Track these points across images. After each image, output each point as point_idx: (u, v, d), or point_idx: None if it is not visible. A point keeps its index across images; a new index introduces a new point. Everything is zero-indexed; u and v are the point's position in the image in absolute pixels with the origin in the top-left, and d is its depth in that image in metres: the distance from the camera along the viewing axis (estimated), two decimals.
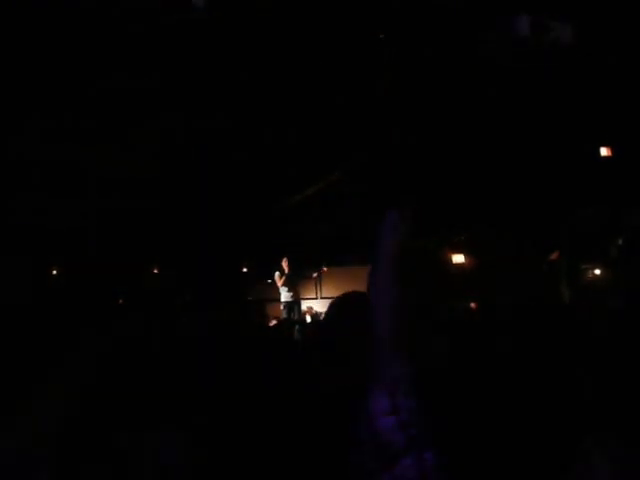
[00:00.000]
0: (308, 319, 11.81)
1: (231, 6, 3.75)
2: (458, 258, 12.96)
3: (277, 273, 11.05)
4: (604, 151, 6.82)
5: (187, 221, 10.52)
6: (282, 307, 11.28)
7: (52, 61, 4.39)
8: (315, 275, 12.85)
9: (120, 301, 11.94)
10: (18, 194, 7.67)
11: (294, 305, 11.18)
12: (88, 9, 3.73)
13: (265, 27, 4.05)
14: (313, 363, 2.04)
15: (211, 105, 5.46)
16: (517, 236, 10.68)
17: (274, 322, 9.35)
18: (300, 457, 1.71)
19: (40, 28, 3.93)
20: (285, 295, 11.16)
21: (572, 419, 0.93)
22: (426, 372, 2.50)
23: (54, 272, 11.06)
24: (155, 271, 13.09)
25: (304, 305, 12.47)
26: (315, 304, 13.56)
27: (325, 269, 12.28)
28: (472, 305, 8.90)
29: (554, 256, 10.27)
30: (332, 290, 14.29)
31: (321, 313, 10.98)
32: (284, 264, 10.93)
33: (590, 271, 12.75)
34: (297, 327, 7.64)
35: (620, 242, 10.41)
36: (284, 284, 11.01)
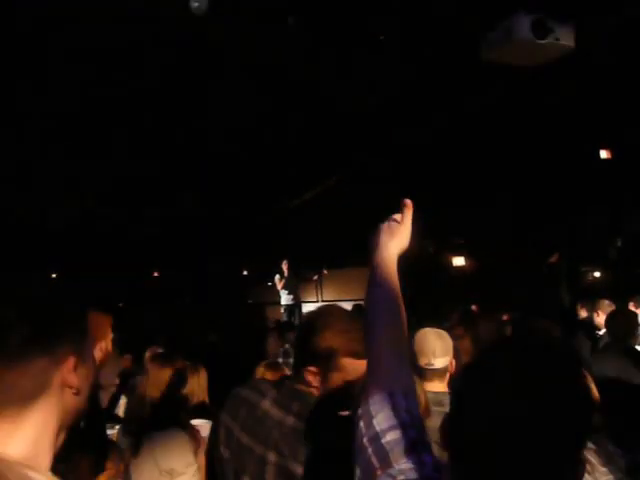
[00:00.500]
0: None
1: (230, 8, 3.77)
2: (458, 261, 12.98)
3: (277, 276, 11.05)
4: (604, 154, 6.83)
5: (188, 223, 10.56)
6: (282, 310, 11.28)
7: (52, 60, 4.41)
8: (315, 278, 12.84)
9: (120, 304, 11.99)
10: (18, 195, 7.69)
11: (294, 308, 11.17)
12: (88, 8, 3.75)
13: (267, 31, 4.07)
14: None
15: (210, 105, 5.48)
16: (517, 239, 10.68)
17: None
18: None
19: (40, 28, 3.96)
20: (285, 298, 11.16)
21: (572, 420, 0.92)
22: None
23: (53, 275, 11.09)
24: (156, 274, 13.09)
25: (305, 308, 12.46)
26: (315, 307, 13.54)
27: (325, 272, 12.27)
28: (473, 307, 8.89)
29: (554, 259, 10.28)
30: (333, 293, 14.29)
31: None
32: (284, 267, 10.93)
33: (590, 273, 12.76)
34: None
35: (619, 244, 10.42)
36: (284, 287, 11.01)
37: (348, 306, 11.34)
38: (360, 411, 1.16)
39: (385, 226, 1.44)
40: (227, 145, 6.76)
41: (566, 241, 10.51)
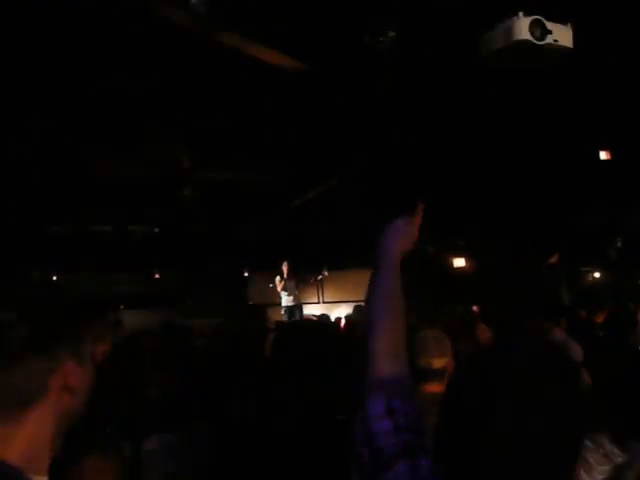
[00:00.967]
0: None
1: (230, 8, 3.78)
2: (459, 262, 12.99)
3: (278, 277, 11.05)
4: (603, 155, 6.82)
5: (190, 225, 10.56)
6: (283, 311, 11.27)
7: (51, 61, 4.42)
8: (316, 279, 12.82)
9: (122, 306, 11.98)
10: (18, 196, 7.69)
11: (295, 309, 11.15)
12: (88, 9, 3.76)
13: (264, 31, 4.08)
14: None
15: (210, 105, 5.49)
16: (517, 240, 10.68)
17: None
18: (299, 462, 1.71)
19: (39, 28, 3.97)
20: (286, 299, 11.15)
21: (572, 421, 0.92)
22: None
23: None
24: (157, 275, 13.09)
25: (306, 310, 12.45)
26: (317, 308, 13.52)
27: (326, 273, 12.26)
28: (474, 308, 8.88)
29: (554, 259, 10.28)
30: (334, 294, 14.27)
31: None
32: (284, 268, 10.93)
33: (590, 274, 12.77)
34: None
35: (619, 244, 10.42)
36: (283, 288, 11.01)
37: (349, 307, 11.35)
38: (357, 415, 1.17)
39: (391, 227, 1.44)
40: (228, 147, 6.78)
41: (566, 241, 10.50)
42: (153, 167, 6.96)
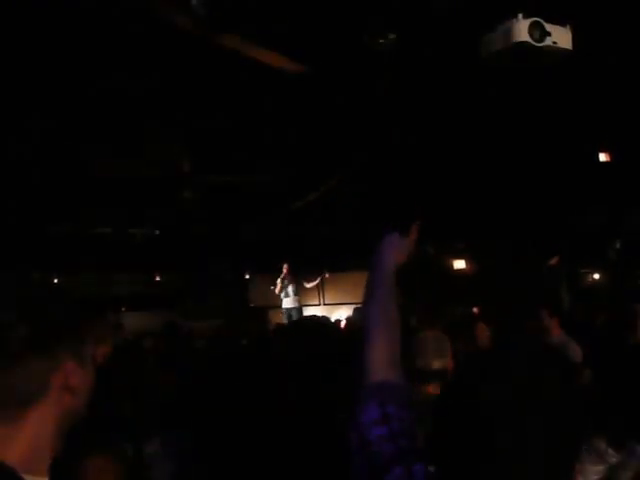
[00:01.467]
0: None
1: (230, 10, 3.79)
2: (459, 264, 12.99)
3: (279, 279, 11.06)
4: (603, 157, 6.83)
5: (191, 227, 10.56)
6: (282, 313, 11.27)
7: (52, 61, 4.43)
8: (316, 281, 12.81)
9: (123, 308, 11.99)
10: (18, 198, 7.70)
11: (295, 312, 11.15)
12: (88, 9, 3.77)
13: (264, 33, 4.09)
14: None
15: (210, 106, 5.50)
16: (517, 241, 10.68)
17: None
18: (300, 461, 1.72)
19: (40, 28, 3.98)
20: (286, 301, 11.15)
21: (571, 421, 0.92)
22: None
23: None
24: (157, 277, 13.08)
25: (306, 312, 12.44)
26: (318, 310, 13.51)
27: (327, 275, 12.25)
28: (474, 310, 8.89)
29: (554, 261, 10.29)
30: (335, 296, 14.25)
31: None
32: (284, 270, 10.94)
33: (589, 275, 12.79)
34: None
35: (618, 245, 10.43)
36: (282, 290, 11.02)
37: (349, 309, 11.34)
38: (352, 421, 1.17)
39: (386, 240, 1.47)
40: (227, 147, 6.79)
41: (566, 243, 10.51)
42: (153, 168, 6.96)
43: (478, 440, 0.90)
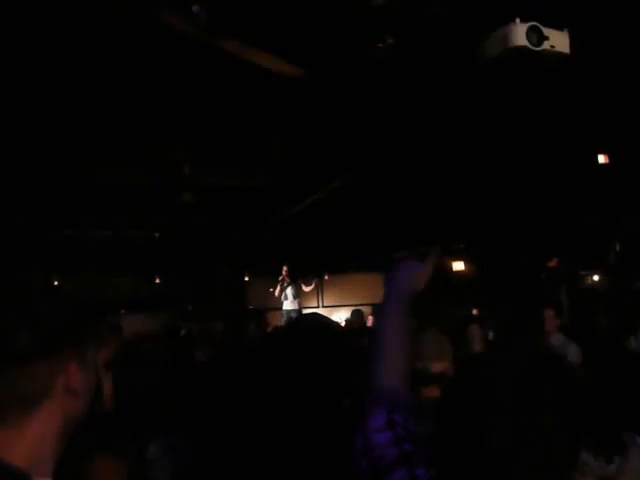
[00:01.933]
0: None
1: (231, 14, 3.80)
2: (458, 265, 12.97)
3: (278, 282, 11.05)
4: (602, 159, 6.83)
5: (190, 230, 10.56)
6: (282, 315, 11.26)
7: (53, 66, 4.45)
8: (313, 285, 12.78)
9: (122, 310, 11.98)
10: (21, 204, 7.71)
11: (295, 314, 11.14)
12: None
13: (264, 38, 4.10)
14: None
15: (211, 110, 5.51)
16: (517, 243, 10.67)
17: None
18: (298, 468, 1.72)
19: (41, 33, 3.99)
20: (285, 304, 11.15)
21: (570, 421, 0.93)
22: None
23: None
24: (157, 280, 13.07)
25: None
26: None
27: (326, 277, 12.24)
28: (474, 312, 8.90)
29: (553, 263, 10.28)
30: (334, 299, 14.25)
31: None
32: (283, 272, 10.93)
33: (589, 277, 12.77)
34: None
35: (618, 248, 10.42)
36: (281, 292, 11.01)
37: (348, 311, 11.33)
38: (358, 427, 1.18)
39: (406, 265, 1.45)
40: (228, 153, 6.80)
41: (565, 245, 10.50)
42: (153, 172, 6.97)
43: (478, 442, 0.91)
